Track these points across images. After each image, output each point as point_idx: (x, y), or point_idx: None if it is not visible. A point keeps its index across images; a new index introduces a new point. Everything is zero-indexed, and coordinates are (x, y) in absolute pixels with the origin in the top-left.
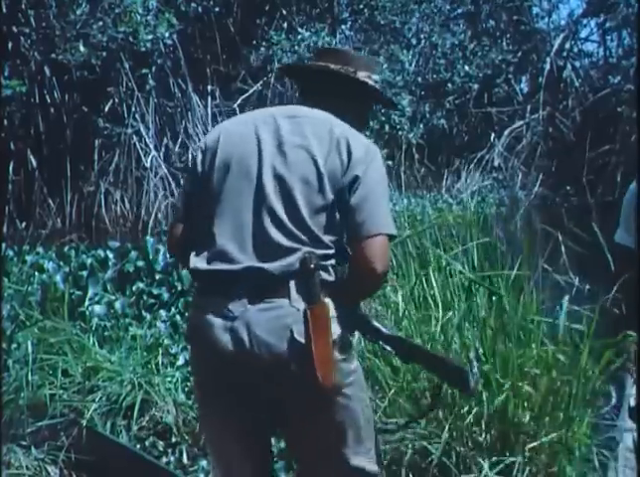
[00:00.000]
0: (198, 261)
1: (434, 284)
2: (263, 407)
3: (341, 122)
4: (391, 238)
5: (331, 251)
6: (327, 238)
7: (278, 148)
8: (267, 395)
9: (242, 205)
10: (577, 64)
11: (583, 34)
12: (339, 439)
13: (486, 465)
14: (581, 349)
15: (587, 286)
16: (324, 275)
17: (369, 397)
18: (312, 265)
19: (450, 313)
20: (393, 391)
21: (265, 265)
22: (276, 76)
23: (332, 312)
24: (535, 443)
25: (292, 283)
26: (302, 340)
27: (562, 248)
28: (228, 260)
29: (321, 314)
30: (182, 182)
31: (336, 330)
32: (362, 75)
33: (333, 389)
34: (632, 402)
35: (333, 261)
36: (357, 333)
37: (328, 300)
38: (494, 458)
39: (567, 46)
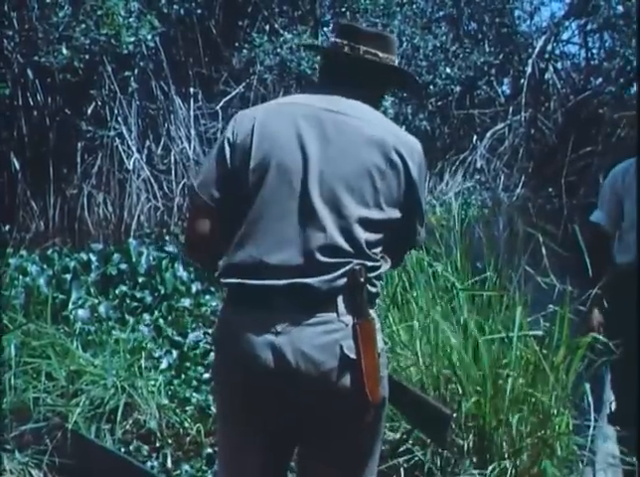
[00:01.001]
0: (235, 276)
1: (417, 286)
2: (294, 424)
3: (389, 125)
4: None
5: (378, 264)
6: (374, 252)
7: (324, 151)
8: (302, 411)
9: (284, 214)
10: (559, 66)
11: (565, 36)
12: (364, 463)
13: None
14: (557, 350)
15: (569, 288)
16: (370, 288)
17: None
18: (362, 279)
19: (432, 315)
20: None
21: (312, 281)
22: (259, 78)
23: (377, 325)
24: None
25: (340, 298)
26: (352, 355)
27: (544, 250)
28: (269, 275)
29: (369, 329)
30: (206, 171)
31: (381, 343)
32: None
33: (379, 404)
34: (613, 407)
35: (378, 273)
36: None
37: (374, 313)
38: (474, 459)
39: (549, 48)
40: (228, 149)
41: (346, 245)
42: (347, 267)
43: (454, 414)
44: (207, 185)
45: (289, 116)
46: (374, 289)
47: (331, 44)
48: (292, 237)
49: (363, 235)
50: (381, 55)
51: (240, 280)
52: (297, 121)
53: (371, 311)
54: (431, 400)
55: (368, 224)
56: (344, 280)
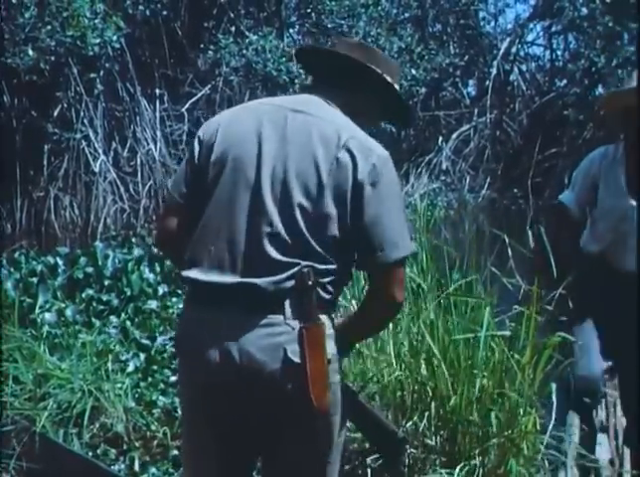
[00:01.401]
0: (192, 271)
1: None
2: (247, 426)
3: (351, 126)
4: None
5: (332, 267)
6: (328, 254)
7: (281, 149)
8: (252, 413)
9: (237, 210)
10: (524, 67)
11: (530, 38)
12: (319, 469)
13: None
14: (524, 350)
15: (535, 288)
16: (321, 293)
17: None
18: (310, 282)
19: (399, 316)
20: None
21: (259, 281)
22: (225, 79)
23: (329, 330)
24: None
25: (287, 301)
26: (296, 360)
27: (509, 251)
28: (221, 272)
29: (317, 333)
30: (179, 171)
31: (332, 349)
32: (387, 78)
33: (326, 411)
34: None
35: (333, 278)
36: None
37: (324, 318)
38: (443, 458)
39: (514, 49)
40: (197, 147)
41: (294, 244)
42: (295, 269)
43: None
44: (177, 183)
45: (253, 116)
46: (327, 295)
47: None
48: (243, 235)
49: (309, 232)
50: (360, 60)
51: (194, 276)
52: (260, 120)
53: (322, 316)
54: (388, 424)
55: (314, 222)
56: (292, 282)
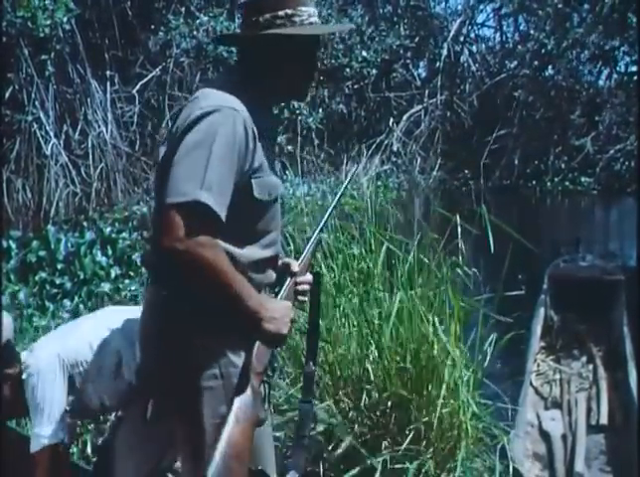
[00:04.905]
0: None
1: (335, 269)
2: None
3: (208, 95)
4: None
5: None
6: None
7: None
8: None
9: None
10: (474, 49)
11: (480, 19)
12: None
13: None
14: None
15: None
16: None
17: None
18: None
19: (351, 297)
20: None
21: None
22: (175, 61)
23: None
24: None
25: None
26: None
27: (459, 232)
28: None
29: None
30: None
31: None
32: (267, 17)
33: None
34: (533, 379)
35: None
36: None
37: None
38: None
39: (464, 31)
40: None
41: None
42: None
43: None
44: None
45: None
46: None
47: None
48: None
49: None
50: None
51: None
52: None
53: None
54: None
55: None
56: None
